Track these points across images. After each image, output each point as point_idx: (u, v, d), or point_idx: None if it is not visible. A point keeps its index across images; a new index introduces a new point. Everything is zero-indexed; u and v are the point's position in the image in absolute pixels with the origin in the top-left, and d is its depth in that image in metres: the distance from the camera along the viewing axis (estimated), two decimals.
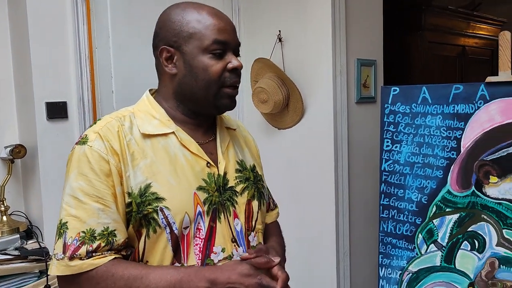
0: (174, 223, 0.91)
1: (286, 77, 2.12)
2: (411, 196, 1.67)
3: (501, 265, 1.51)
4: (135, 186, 0.91)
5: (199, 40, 0.95)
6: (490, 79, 1.57)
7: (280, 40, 2.17)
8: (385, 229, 1.71)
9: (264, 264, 0.94)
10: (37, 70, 1.73)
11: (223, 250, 0.97)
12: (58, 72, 1.80)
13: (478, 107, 1.58)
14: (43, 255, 1.57)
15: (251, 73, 2.24)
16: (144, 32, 2.02)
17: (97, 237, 0.88)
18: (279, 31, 2.17)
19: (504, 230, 1.52)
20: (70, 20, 1.81)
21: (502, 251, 1.51)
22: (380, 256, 1.71)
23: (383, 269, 1.70)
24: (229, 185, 1.01)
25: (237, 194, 1.02)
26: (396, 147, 1.70)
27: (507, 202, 1.52)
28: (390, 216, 1.70)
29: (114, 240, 0.89)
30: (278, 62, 2.17)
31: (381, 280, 1.70)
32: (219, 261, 0.95)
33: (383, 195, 1.71)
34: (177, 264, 0.93)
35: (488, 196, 1.55)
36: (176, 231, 0.92)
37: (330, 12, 2.00)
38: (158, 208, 0.91)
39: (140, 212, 0.91)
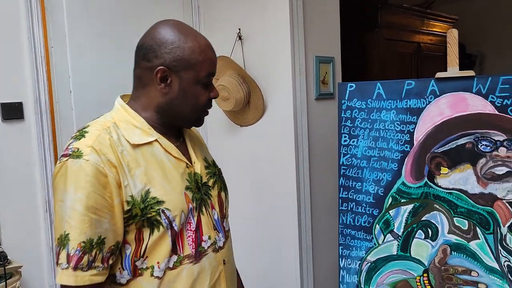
0: (174, 221, 1.03)
1: (247, 74, 2.14)
2: (368, 188, 1.73)
3: (452, 252, 1.59)
4: (137, 194, 1.00)
5: (197, 71, 1.04)
6: (439, 75, 1.64)
7: (240, 38, 2.20)
8: (344, 221, 1.76)
9: None
10: None
11: (209, 238, 1.11)
12: (13, 72, 1.75)
13: (429, 102, 1.65)
14: (1, 259, 1.54)
15: None
16: (103, 30, 2.01)
17: (94, 246, 0.95)
18: (239, 29, 2.19)
19: (455, 218, 1.60)
20: (24, 19, 1.77)
21: (453, 238, 1.59)
22: (340, 247, 1.77)
23: (343, 260, 1.76)
24: (203, 181, 1.14)
25: (211, 188, 1.16)
26: (353, 141, 1.76)
27: (457, 192, 1.60)
28: (349, 208, 1.76)
29: (103, 247, 0.96)
30: (239, 60, 2.19)
31: (341, 270, 1.76)
32: (208, 247, 1.10)
33: (341, 188, 1.77)
34: (174, 256, 1.04)
35: (439, 187, 1.62)
36: (176, 228, 1.03)
37: (288, 10, 2.04)
38: (160, 211, 1.01)
39: (144, 215, 1.00)
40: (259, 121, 2.20)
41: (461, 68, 1.63)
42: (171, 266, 1.04)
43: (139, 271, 1.02)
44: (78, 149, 0.97)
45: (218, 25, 2.32)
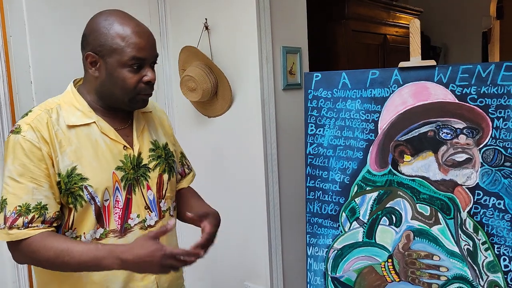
0: (96, 197, 1.15)
1: (214, 65, 2.13)
2: (335, 177, 1.75)
3: (415, 237, 1.63)
4: (63, 168, 1.12)
5: (119, 55, 1.13)
6: (402, 64, 1.67)
7: (206, 28, 2.18)
8: (312, 210, 1.78)
9: (161, 233, 1.11)
10: None
11: (138, 216, 1.22)
12: None
13: (393, 91, 1.68)
14: None
15: (178, 62, 2.22)
16: (64, 18, 1.94)
17: (32, 210, 1.09)
18: (206, 19, 2.17)
19: (417, 205, 1.64)
20: None
21: (416, 224, 1.64)
22: (308, 236, 1.79)
23: (311, 248, 1.78)
24: (143, 163, 1.24)
25: (150, 170, 1.25)
26: (319, 131, 1.77)
27: (419, 179, 1.64)
28: (316, 197, 1.78)
29: (46, 213, 1.10)
30: (206, 50, 2.17)
31: (309, 258, 1.78)
32: (135, 225, 1.21)
33: (308, 177, 1.79)
34: (100, 228, 1.16)
35: (403, 174, 1.66)
36: (98, 203, 1.15)
37: (254, 0, 2.03)
38: (83, 186, 1.13)
39: (68, 189, 1.12)
40: (227, 112, 2.20)
41: (425, 59, 1.66)
42: (97, 237, 1.17)
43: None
44: (19, 126, 1.13)
45: (184, 16, 2.29)
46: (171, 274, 1.21)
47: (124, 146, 1.21)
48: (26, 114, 1.16)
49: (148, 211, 1.23)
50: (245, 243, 2.20)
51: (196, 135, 2.34)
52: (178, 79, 2.22)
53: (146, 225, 1.23)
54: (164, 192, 1.29)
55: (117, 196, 1.18)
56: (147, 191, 1.24)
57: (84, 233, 1.16)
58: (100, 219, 1.16)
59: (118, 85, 1.15)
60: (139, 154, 1.24)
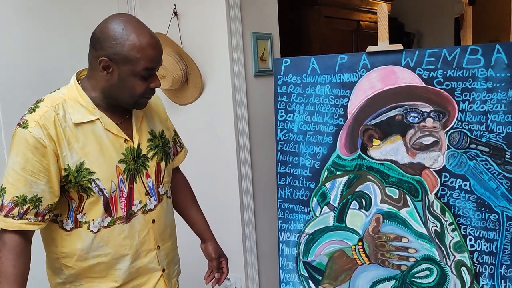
0: (104, 189, 1.26)
1: (184, 52, 2.10)
2: (305, 162, 1.75)
3: (385, 220, 1.65)
4: (72, 163, 1.22)
5: (134, 65, 1.20)
6: (370, 49, 1.68)
7: (176, 14, 2.14)
8: (283, 196, 1.79)
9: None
10: None
11: (140, 202, 1.34)
12: None
13: (361, 76, 1.69)
14: None
15: None
16: (32, 5, 1.88)
17: (27, 202, 1.18)
18: (175, 5, 2.14)
19: (386, 188, 1.65)
20: None
21: (385, 207, 1.65)
22: (279, 221, 1.79)
23: (282, 233, 1.79)
24: (142, 154, 1.35)
25: (149, 160, 1.36)
26: (289, 116, 1.77)
27: (388, 163, 1.65)
28: (287, 183, 1.78)
29: (40, 205, 1.20)
30: (175, 37, 2.14)
31: (281, 244, 1.79)
32: (137, 210, 1.33)
33: (279, 163, 1.79)
34: (108, 217, 1.28)
35: (372, 158, 1.67)
36: (106, 195, 1.26)
37: None
38: (91, 180, 1.24)
39: (78, 182, 1.23)
40: (198, 100, 2.17)
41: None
42: (105, 225, 1.28)
43: (79, 223, 1.27)
44: (26, 120, 1.20)
45: (153, 1, 2.24)
46: (168, 249, 1.44)
47: (125, 139, 1.31)
48: (34, 110, 1.22)
49: (148, 197, 1.36)
50: (219, 231, 2.19)
51: None
52: None
53: (147, 209, 1.35)
54: (162, 178, 1.40)
55: (121, 187, 1.29)
56: (146, 179, 1.35)
57: (93, 220, 1.27)
58: (108, 209, 1.28)
59: (127, 91, 1.24)
60: (138, 145, 1.34)
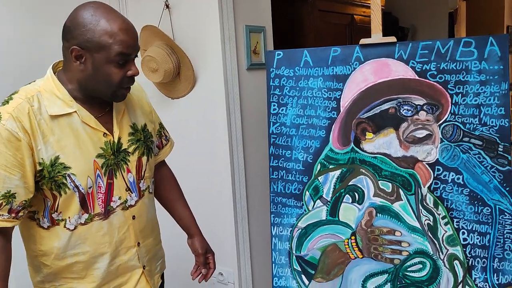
0: (80, 185, 1.21)
1: (176, 45, 2.08)
2: (298, 156, 1.74)
3: (377, 214, 1.64)
4: (47, 158, 1.16)
5: (107, 51, 1.15)
6: (363, 41, 1.66)
7: (167, 6, 2.12)
8: (276, 190, 1.77)
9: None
10: None
11: (119, 198, 1.30)
12: None
13: (354, 68, 1.67)
14: None
15: (139, 42, 2.16)
16: (22, 2, 1.86)
17: (0, 198, 1.13)
18: None
19: (379, 182, 1.64)
20: None
21: (378, 201, 1.65)
22: (272, 215, 1.78)
23: (275, 227, 1.77)
24: (123, 148, 1.30)
25: (130, 154, 1.32)
26: (282, 110, 1.75)
27: (381, 156, 1.64)
28: (279, 176, 1.77)
29: (14, 201, 1.14)
30: (167, 29, 2.12)
31: (273, 238, 1.78)
32: (117, 206, 1.29)
33: (272, 157, 1.77)
34: (85, 214, 1.24)
35: (365, 151, 1.66)
36: (83, 191, 1.21)
37: None
38: (66, 175, 1.18)
39: (52, 178, 1.17)
40: (191, 93, 2.15)
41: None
42: (83, 222, 1.24)
43: (56, 221, 1.23)
44: (0, 113, 1.13)
45: None
46: (149, 246, 1.40)
47: (104, 133, 1.26)
48: (7, 102, 1.16)
49: (128, 193, 1.31)
50: (211, 225, 2.18)
51: (161, 118, 2.28)
52: (139, 59, 2.16)
53: (127, 205, 1.32)
54: (143, 173, 1.36)
55: (99, 183, 1.25)
56: (127, 174, 1.31)
57: (69, 217, 1.23)
58: (84, 205, 1.23)
59: (104, 80, 1.19)
60: (119, 139, 1.29)
